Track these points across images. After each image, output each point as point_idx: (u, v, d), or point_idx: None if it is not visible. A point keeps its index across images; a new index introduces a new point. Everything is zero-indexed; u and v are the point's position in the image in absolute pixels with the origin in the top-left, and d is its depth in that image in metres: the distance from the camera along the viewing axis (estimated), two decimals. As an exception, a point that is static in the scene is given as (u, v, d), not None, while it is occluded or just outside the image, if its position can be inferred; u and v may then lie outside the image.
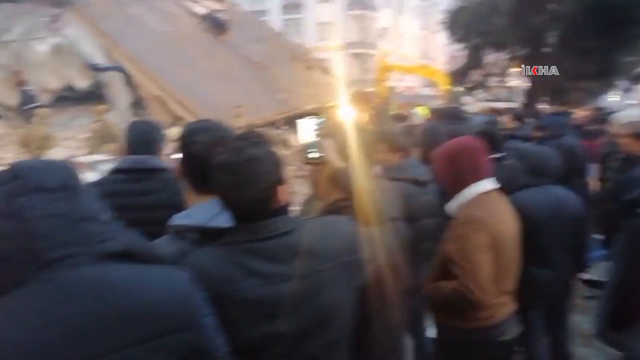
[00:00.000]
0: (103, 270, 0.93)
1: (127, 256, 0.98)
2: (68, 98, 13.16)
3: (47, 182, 0.93)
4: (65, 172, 0.99)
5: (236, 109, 9.56)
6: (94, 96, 12.84)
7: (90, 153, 8.40)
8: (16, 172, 0.94)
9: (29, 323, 0.84)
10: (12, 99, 12.74)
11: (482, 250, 2.05)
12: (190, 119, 12.23)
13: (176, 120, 11.02)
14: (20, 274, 0.87)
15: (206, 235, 1.38)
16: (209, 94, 12.60)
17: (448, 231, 2.19)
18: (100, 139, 8.79)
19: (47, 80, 13.05)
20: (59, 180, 0.96)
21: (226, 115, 10.10)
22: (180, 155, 1.56)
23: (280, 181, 1.31)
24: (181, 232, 1.41)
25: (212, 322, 1.04)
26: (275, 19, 34.06)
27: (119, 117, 12.40)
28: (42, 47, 13.62)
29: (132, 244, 1.01)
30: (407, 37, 43.67)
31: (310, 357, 1.28)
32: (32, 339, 0.82)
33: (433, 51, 46.79)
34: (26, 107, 11.75)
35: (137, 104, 13.45)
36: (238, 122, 9.07)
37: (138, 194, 2.10)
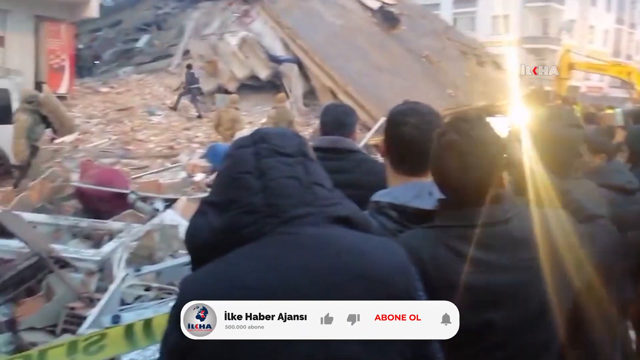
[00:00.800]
0: (334, 231, 0.99)
1: (348, 222, 1.02)
2: (251, 86, 14.60)
3: (286, 147, 1.02)
4: (299, 140, 1.08)
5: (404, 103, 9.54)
6: (273, 85, 14.01)
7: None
8: (260, 136, 1.03)
9: (271, 268, 0.93)
10: (207, 85, 14.55)
11: None
12: (356, 110, 12.59)
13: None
14: (265, 226, 0.95)
15: (406, 215, 1.37)
16: (376, 86, 12.80)
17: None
18: (274, 125, 9.48)
19: (235, 70, 14.60)
20: (296, 146, 1.04)
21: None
22: (385, 136, 1.59)
23: (503, 167, 1.27)
24: (382, 208, 1.45)
25: (425, 298, 1.06)
26: (446, 13, 33.00)
27: (293, 105, 13.35)
28: (233, 40, 15.28)
29: (354, 211, 1.05)
30: (598, 31, 38.83)
31: (521, 354, 1.23)
32: (273, 282, 0.92)
33: (628, 48, 40.87)
34: (190, 86, 13.40)
35: (310, 93, 14.31)
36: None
37: (333, 171, 2.20)
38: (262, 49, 14.96)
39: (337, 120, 2.39)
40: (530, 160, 1.91)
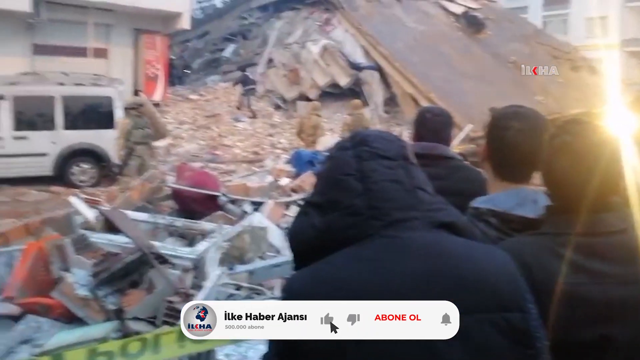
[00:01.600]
0: (439, 237, 0.97)
1: (452, 228, 0.99)
2: (331, 94, 14.79)
3: (388, 150, 1.01)
4: (400, 143, 1.05)
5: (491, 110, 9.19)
6: (353, 92, 14.10)
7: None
8: (360, 139, 1.03)
9: (376, 271, 0.92)
10: (289, 92, 14.94)
11: None
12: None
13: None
14: (368, 229, 0.95)
15: (508, 223, 1.33)
16: (460, 92, 12.47)
17: None
18: (349, 131, 9.46)
19: (316, 77, 14.87)
20: (397, 150, 1.03)
21: (478, 116, 9.87)
22: (487, 140, 1.53)
23: (621, 173, 1.19)
24: (482, 215, 1.39)
25: (536, 311, 1.01)
26: (535, 15, 31.42)
27: (373, 112, 13.35)
28: (314, 48, 15.58)
29: (459, 218, 1.03)
30: None
31: None
32: (378, 285, 0.91)
33: None
34: (245, 87, 13.82)
35: (390, 100, 14.23)
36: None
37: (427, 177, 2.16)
38: (342, 57, 15.11)
39: (432, 126, 2.34)
40: (636, 170, 1.77)
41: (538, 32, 19.00)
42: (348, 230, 0.96)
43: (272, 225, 4.53)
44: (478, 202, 1.45)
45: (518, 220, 1.34)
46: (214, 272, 3.33)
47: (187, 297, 3.61)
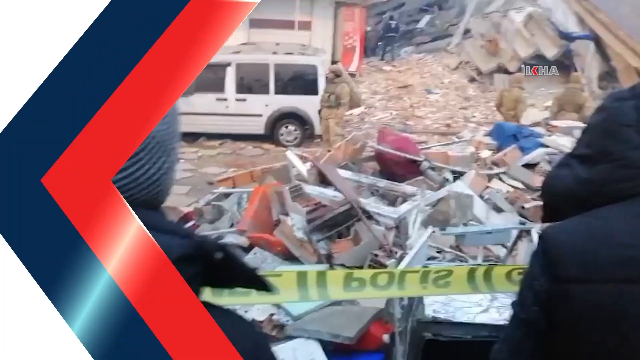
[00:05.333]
0: None
1: None
2: (535, 66, 13.50)
3: None
4: None
5: None
6: (561, 65, 12.66)
7: (553, 118, 8.34)
8: None
9: None
10: (486, 65, 14.11)
11: None
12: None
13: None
14: None
15: None
16: None
17: None
18: (559, 108, 8.55)
19: (518, 48, 13.71)
20: None
21: None
22: None
23: None
24: None
25: None
26: None
27: (586, 88, 11.84)
28: (518, 17, 14.34)
29: None
30: None
31: None
32: None
33: None
34: (386, 34, 14.20)
35: (608, 75, 12.44)
36: None
37: None
38: (550, 25, 13.64)
39: None
40: None
41: None
42: (619, 183, 0.90)
43: (476, 195, 4.39)
44: None
45: None
46: (427, 231, 3.37)
47: (391, 253, 3.75)
